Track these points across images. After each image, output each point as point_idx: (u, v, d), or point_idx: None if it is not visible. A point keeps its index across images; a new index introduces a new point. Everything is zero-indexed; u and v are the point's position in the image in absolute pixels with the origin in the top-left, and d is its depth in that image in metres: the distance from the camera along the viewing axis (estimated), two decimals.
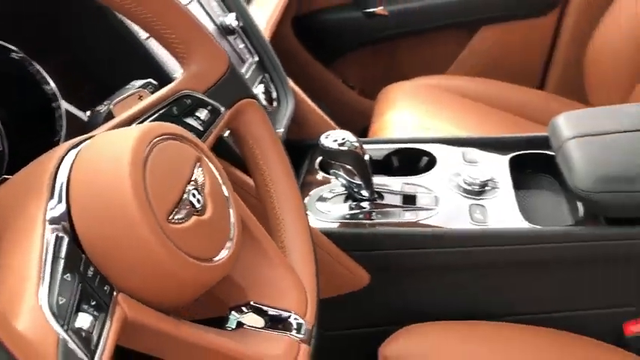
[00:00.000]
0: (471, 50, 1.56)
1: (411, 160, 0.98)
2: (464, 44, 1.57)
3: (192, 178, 0.44)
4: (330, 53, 1.62)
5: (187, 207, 0.43)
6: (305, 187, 0.92)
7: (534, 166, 0.94)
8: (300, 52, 1.57)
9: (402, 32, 1.57)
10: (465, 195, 0.86)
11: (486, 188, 0.86)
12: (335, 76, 1.63)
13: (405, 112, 1.30)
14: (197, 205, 0.43)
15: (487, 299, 0.85)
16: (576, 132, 0.83)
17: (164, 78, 0.67)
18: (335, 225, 0.84)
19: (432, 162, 0.95)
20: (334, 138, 0.82)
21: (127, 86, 0.60)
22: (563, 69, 1.53)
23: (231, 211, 0.48)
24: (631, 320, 0.82)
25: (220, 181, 0.48)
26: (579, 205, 0.82)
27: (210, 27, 0.87)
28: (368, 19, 1.53)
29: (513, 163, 0.93)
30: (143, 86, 0.59)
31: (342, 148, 0.80)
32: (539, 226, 0.79)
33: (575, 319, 0.84)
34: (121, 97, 0.56)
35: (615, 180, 0.75)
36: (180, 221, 0.41)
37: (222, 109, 0.55)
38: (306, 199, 0.88)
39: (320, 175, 0.95)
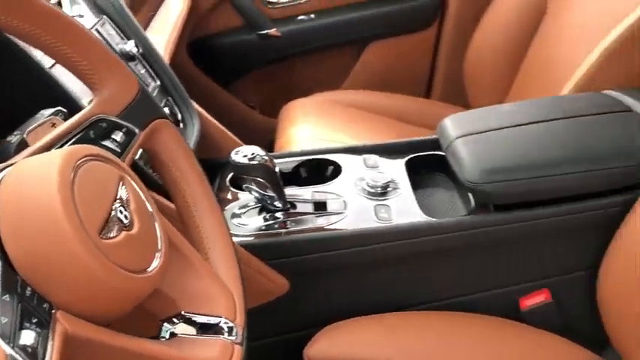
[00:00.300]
0: (362, 65, 1.66)
1: (318, 170, 1.03)
2: (355, 60, 1.67)
3: (118, 196, 0.47)
4: (229, 75, 1.65)
5: (116, 223, 0.45)
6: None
7: (428, 166, 1.02)
8: (198, 75, 1.59)
9: (296, 51, 1.63)
10: (369, 197, 0.92)
11: (388, 189, 0.93)
12: (235, 97, 1.67)
13: (307, 127, 1.36)
14: (125, 221, 0.46)
15: (398, 291, 0.91)
16: (462, 132, 0.92)
17: (72, 105, 0.68)
18: (252, 237, 0.87)
19: (337, 170, 1.01)
20: (244, 153, 0.85)
21: (37, 115, 0.60)
22: (445, 78, 1.67)
23: (156, 224, 0.50)
24: (524, 295, 0.92)
25: (143, 198, 0.50)
26: (470, 196, 0.91)
27: None
28: (262, 40, 1.58)
29: (409, 164, 1.01)
30: (54, 114, 0.60)
31: (252, 162, 0.84)
32: (437, 219, 0.87)
33: (477, 300, 0.92)
34: (34, 125, 0.57)
35: (498, 171, 0.84)
36: (111, 237, 0.44)
37: (137, 130, 0.58)
38: None
39: (232, 192, 0.98)
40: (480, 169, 0.85)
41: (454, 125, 0.95)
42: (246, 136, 1.63)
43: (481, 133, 0.91)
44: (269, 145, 1.47)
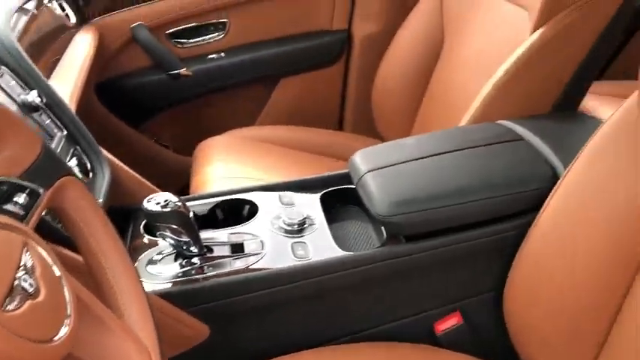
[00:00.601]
0: (274, 101, 1.69)
1: (234, 211, 1.04)
2: (268, 96, 1.69)
3: (22, 264, 0.45)
4: (140, 115, 1.63)
5: (20, 293, 0.44)
6: (133, 253, 0.93)
7: (342, 200, 1.06)
8: (108, 117, 1.56)
9: (208, 89, 1.64)
10: (286, 235, 0.94)
11: (304, 226, 0.96)
12: (147, 138, 1.64)
13: (222, 165, 1.37)
14: (30, 290, 0.45)
15: (317, 326, 0.93)
16: (370, 166, 0.96)
17: None
18: (169, 285, 0.86)
19: (253, 209, 1.02)
20: (157, 201, 0.85)
21: None
22: (355, 110, 1.73)
23: (65, 289, 0.49)
24: (439, 320, 0.96)
25: (50, 262, 0.49)
26: (382, 228, 0.94)
27: (13, 107, 0.86)
28: (173, 80, 1.58)
29: (324, 199, 1.04)
30: None
31: (165, 209, 0.84)
32: (352, 253, 0.90)
33: (395, 328, 0.95)
34: None
35: (406, 203, 0.88)
36: (14, 308, 0.43)
37: (41, 190, 0.56)
38: (136, 264, 0.90)
39: (146, 239, 0.96)
40: (389, 202, 0.89)
41: (363, 160, 0.98)
42: (161, 176, 1.61)
43: (388, 166, 0.95)
44: (185, 185, 1.46)
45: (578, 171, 0.82)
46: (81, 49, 1.36)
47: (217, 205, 1.04)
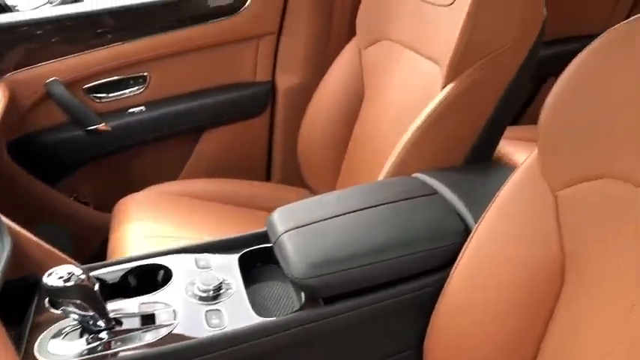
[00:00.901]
0: (198, 154, 1.67)
1: (148, 277, 0.99)
2: (192, 149, 1.66)
3: None
4: (58, 172, 1.56)
5: None
6: (36, 329, 0.87)
7: (262, 259, 1.03)
8: (22, 176, 1.49)
9: (129, 144, 1.60)
10: (201, 302, 0.90)
11: (220, 291, 0.92)
12: (65, 195, 1.58)
13: (141, 224, 1.32)
14: None
15: None
16: (288, 226, 0.94)
17: None
18: None
19: (168, 275, 0.98)
20: (59, 275, 0.80)
21: None
22: (282, 160, 1.72)
23: None
24: None
25: None
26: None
27: None
28: (91, 135, 1.53)
29: (243, 260, 1.01)
30: None
31: (67, 284, 0.79)
32: (269, 319, 0.87)
33: None
34: None
35: (322, 265, 0.87)
36: None
37: None
38: (38, 341, 0.84)
39: (51, 312, 0.90)
40: (306, 264, 0.87)
41: (281, 219, 0.97)
42: (78, 233, 1.55)
43: (306, 225, 0.94)
44: (103, 242, 1.40)
45: (487, 224, 0.84)
46: None
47: (130, 271, 1.00)
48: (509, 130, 1.24)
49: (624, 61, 0.68)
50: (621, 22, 0.71)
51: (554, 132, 0.76)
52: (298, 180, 1.60)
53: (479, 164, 1.14)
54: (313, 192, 1.56)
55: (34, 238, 1.05)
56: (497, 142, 1.19)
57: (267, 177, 1.76)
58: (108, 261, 1.04)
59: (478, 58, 1.08)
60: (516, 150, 1.53)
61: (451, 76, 1.10)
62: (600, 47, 0.71)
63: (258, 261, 1.03)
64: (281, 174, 1.73)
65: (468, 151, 1.14)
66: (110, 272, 0.98)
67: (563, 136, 0.75)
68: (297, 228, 0.94)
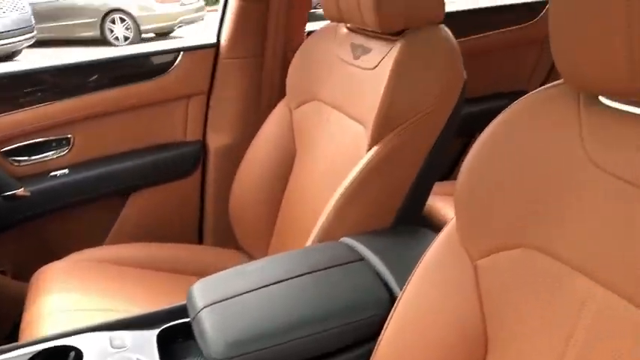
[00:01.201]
0: (124, 218, 1.60)
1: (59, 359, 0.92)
2: (117, 213, 1.60)
3: None
4: None
5: None
6: None
7: (184, 334, 0.98)
8: None
9: (51, 209, 1.52)
10: None
11: None
12: None
13: (58, 296, 1.24)
14: None
15: None
16: (208, 300, 0.90)
17: None
18: None
19: (79, 357, 0.91)
20: None
21: None
22: (214, 221, 1.68)
23: None
24: None
25: None
26: None
27: None
28: (8, 201, 1.45)
29: (162, 336, 0.95)
30: None
31: None
32: None
33: None
34: None
35: (242, 343, 0.83)
36: None
37: None
38: None
39: None
40: (225, 343, 0.83)
41: (201, 293, 0.93)
42: None
43: (227, 299, 0.90)
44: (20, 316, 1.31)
45: (410, 293, 0.82)
46: None
47: (38, 354, 0.92)
48: (439, 186, 1.25)
49: (529, 133, 0.69)
50: (529, 92, 0.72)
51: (470, 200, 0.76)
52: (231, 242, 1.56)
53: (406, 227, 1.13)
54: (246, 253, 1.52)
55: None
56: (424, 203, 1.19)
57: (200, 239, 1.70)
58: (13, 344, 0.96)
59: (400, 121, 1.09)
60: (445, 205, 1.54)
61: (375, 138, 1.10)
62: (509, 117, 0.72)
63: (179, 336, 0.98)
64: (213, 236, 1.68)
65: (395, 213, 1.13)
66: (17, 357, 0.90)
67: (479, 205, 0.75)
68: (217, 302, 0.90)
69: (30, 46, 7.07)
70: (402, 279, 0.88)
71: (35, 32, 7.11)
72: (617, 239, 0.60)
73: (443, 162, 1.22)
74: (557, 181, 0.67)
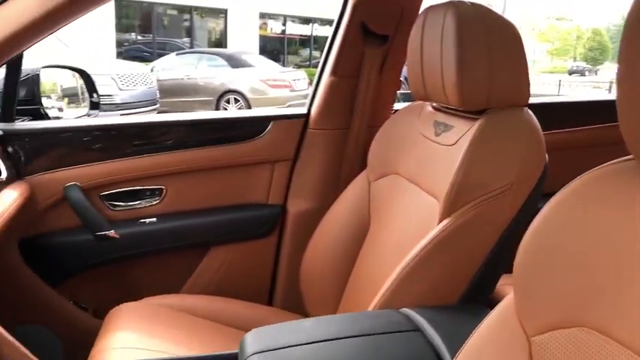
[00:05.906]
0: (202, 270, 1.66)
1: None
2: (196, 264, 1.66)
3: None
4: (59, 274, 1.58)
5: None
6: None
7: None
8: (26, 273, 1.50)
9: (135, 253, 1.61)
10: None
11: None
12: (64, 297, 1.57)
13: (128, 334, 1.29)
14: None
15: None
16: (259, 347, 0.91)
17: None
18: None
19: None
20: None
21: None
22: (286, 285, 1.69)
23: None
24: None
25: None
26: None
27: None
28: (99, 241, 1.55)
29: None
30: None
31: None
32: None
33: None
34: None
35: None
36: None
37: None
38: None
39: None
40: None
41: (254, 340, 0.94)
42: (71, 338, 1.52)
43: (276, 349, 0.90)
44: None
45: None
46: (3, 204, 1.35)
47: None
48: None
49: (593, 209, 0.67)
50: (594, 168, 0.70)
51: (529, 275, 0.73)
52: (300, 307, 1.56)
53: (471, 305, 1.09)
54: None
55: (10, 338, 1.04)
56: (493, 286, 1.14)
57: (270, 301, 1.72)
58: None
59: (474, 196, 1.08)
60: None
61: (446, 212, 1.09)
62: (571, 192, 0.70)
63: None
64: (283, 299, 1.70)
65: (462, 291, 1.10)
66: None
67: (538, 281, 0.72)
68: (268, 350, 0.90)
69: None
70: (456, 351, 0.85)
71: (158, 105, 7.78)
72: None
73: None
74: (618, 260, 0.64)
